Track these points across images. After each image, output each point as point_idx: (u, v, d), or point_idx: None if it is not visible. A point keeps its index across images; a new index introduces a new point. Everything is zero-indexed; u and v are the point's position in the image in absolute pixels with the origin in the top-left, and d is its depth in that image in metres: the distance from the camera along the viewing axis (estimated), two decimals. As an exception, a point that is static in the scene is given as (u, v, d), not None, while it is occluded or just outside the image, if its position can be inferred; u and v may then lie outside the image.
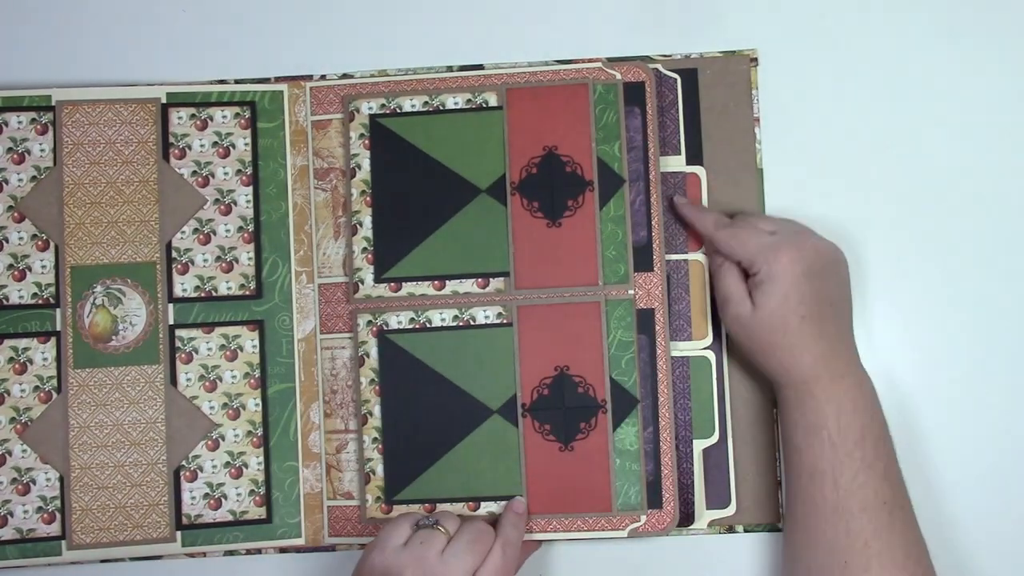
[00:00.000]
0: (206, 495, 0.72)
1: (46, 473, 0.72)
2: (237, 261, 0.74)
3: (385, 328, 0.72)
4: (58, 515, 0.72)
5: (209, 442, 0.73)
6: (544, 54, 0.75)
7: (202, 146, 0.74)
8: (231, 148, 0.74)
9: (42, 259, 0.73)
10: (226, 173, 0.74)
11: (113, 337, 0.73)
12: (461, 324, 0.72)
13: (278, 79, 0.75)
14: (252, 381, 0.73)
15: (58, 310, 0.73)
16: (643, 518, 0.70)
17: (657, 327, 0.71)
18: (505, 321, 0.71)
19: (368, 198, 0.73)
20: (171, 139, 0.74)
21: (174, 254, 0.73)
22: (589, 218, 0.71)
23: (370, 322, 0.72)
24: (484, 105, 0.73)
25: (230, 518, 0.72)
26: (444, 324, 0.72)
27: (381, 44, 0.76)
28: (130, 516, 0.72)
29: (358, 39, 0.76)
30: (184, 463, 0.72)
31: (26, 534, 0.71)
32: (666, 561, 0.72)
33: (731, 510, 0.72)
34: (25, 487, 0.72)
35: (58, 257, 0.73)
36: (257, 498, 0.72)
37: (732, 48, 0.74)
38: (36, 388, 0.72)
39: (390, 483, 0.72)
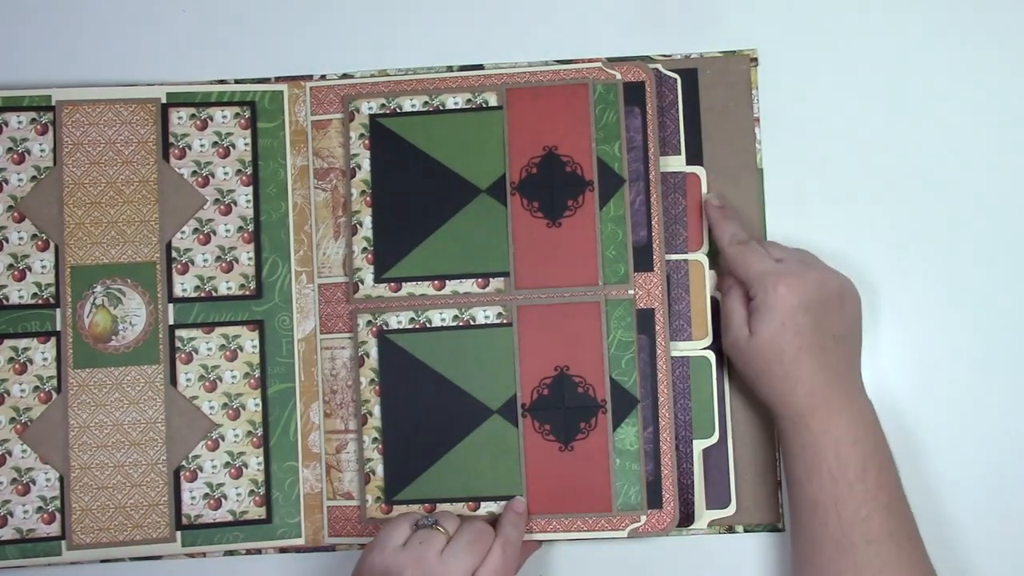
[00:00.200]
0: (206, 495, 0.72)
1: (46, 473, 0.72)
2: (237, 261, 0.74)
3: (385, 328, 0.72)
4: (58, 515, 0.72)
5: (209, 442, 0.73)
6: (544, 54, 0.75)
7: (202, 146, 0.74)
8: (231, 148, 0.74)
9: (42, 259, 0.73)
10: (226, 173, 0.74)
11: (113, 337, 0.73)
12: (461, 324, 0.72)
13: (278, 79, 0.75)
14: (252, 381, 0.73)
15: (58, 310, 0.73)
16: (643, 518, 0.70)
17: (657, 327, 0.71)
18: (505, 321, 0.71)
19: (368, 198, 0.73)
20: (171, 139, 0.74)
21: (174, 254, 0.73)
22: (589, 218, 0.71)
23: (370, 322, 0.72)
24: (484, 105, 0.73)
25: (230, 518, 0.72)
26: (444, 324, 0.72)
27: (381, 44, 0.76)
28: (130, 516, 0.72)
29: (358, 39, 0.76)
30: (184, 463, 0.72)
31: (26, 534, 0.71)
32: (666, 561, 0.72)
33: (731, 510, 0.72)
34: (25, 487, 0.72)
35: (58, 257, 0.73)
36: (257, 498, 0.72)
37: (732, 48, 0.74)
38: (36, 388, 0.72)
39: (390, 483, 0.72)
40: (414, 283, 0.72)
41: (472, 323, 0.72)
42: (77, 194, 0.73)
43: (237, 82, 0.75)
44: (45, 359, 0.72)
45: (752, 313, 0.66)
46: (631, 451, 0.70)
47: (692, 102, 0.73)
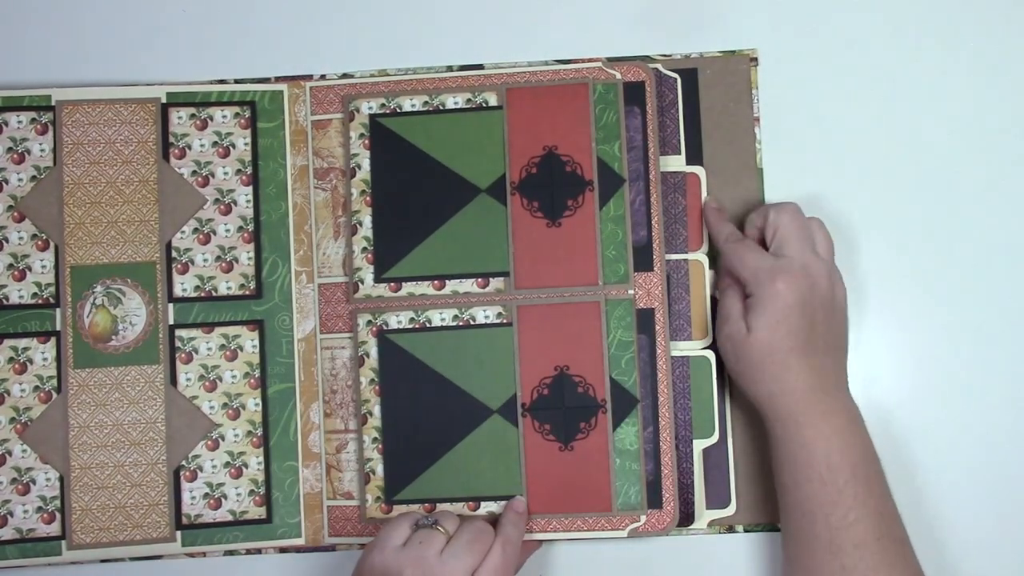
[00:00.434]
0: (206, 495, 0.72)
1: (46, 473, 0.72)
2: (237, 261, 0.74)
3: (385, 328, 0.72)
4: (58, 515, 0.72)
5: (209, 442, 0.73)
6: (544, 54, 0.75)
7: (202, 146, 0.74)
8: (231, 148, 0.74)
9: (42, 259, 0.73)
10: (226, 173, 0.74)
11: (113, 337, 0.73)
12: (461, 324, 0.72)
13: (278, 79, 0.75)
14: (252, 381, 0.73)
15: (58, 310, 0.73)
16: (643, 518, 0.70)
17: (657, 327, 0.71)
18: (505, 321, 0.71)
19: (368, 198, 0.73)
20: (171, 139, 0.74)
21: (174, 254, 0.73)
22: (589, 218, 0.71)
23: (370, 322, 0.72)
24: (484, 105, 0.73)
25: (230, 518, 0.72)
26: (444, 324, 0.72)
27: (381, 44, 0.76)
28: (130, 516, 0.72)
29: (358, 39, 0.76)
30: (184, 463, 0.72)
31: (26, 534, 0.71)
32: (666, 561, 0.72)
33: (731, 510, 0.72)
34: (25, 487, 0.72)
35: (58, 257, 0.73)
36: (257, 498, 0.72)
37: (732, 48, 0.74)
38: (36, 388, 0.72)
39: (390, 483, 0.72)
40: (414, 283, 0.72)
41: (472, 323, 0.72)
42: (77, 194, 0.73)
43: (237, 82, 0.75)
44: (45, 359, 0.72)
45: (749, 310, 0.66)
46: (631, 451, 0.70)
47: (692, 102, 0.74)
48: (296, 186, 0.74)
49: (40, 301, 0.73)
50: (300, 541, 0.73)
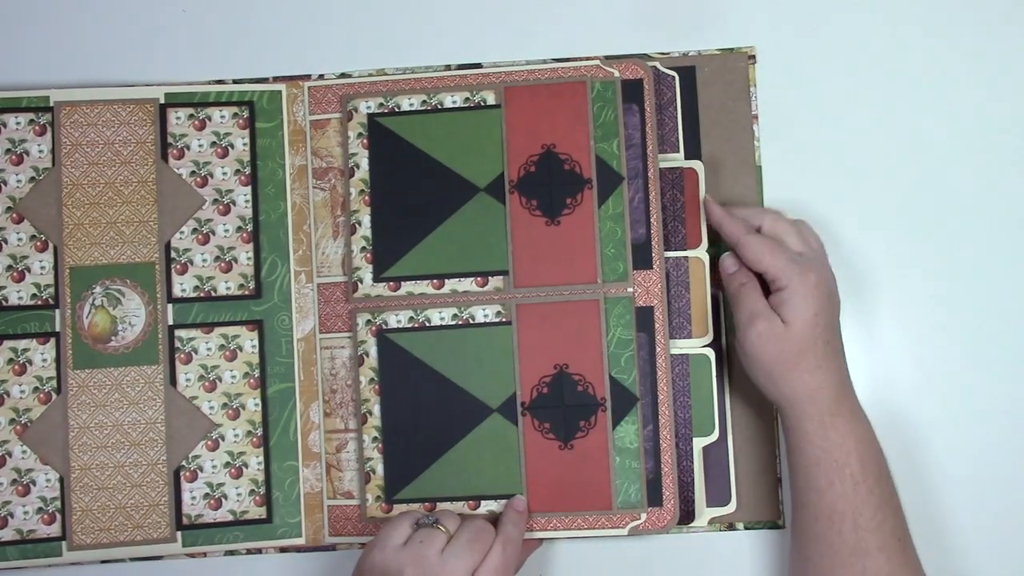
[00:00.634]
0: (206, 495, 0.72)
1: (46, 474, 0.72)
2: (236, 261, 0.74)
3: (384, 327, 0.72)
4: (58, 516, 0.72)
5: (209, 442, 0.73)
6: (542, 52, 0.75)
7: (200, 146, 0.74)
8: (230, 148, 0.74)
9: (41, 260, 0.73)
10: (225, 173, 0.74)
11: (112, 338, 0.73)
12: (460, 323, 0.72)
13: (276, 79, 0.75)
14: (252, 381, 0.73)
15: (57, 311, 0.73)
16: (643, 516, 0.70)
17: (656, 325, 0.71)
18: (504, 320, 0.71)
19: (367, 197, 0.73)
20: (169, 139, 0.74)
21: (173, 254, 0.73)
22: (588, 216, 0.71)
23: (369, 321, 0.72)
24: (482, 104, 0.73)
25: (230, 518, 0.72)
26: (443, 323, 0.72)
27: (379, 43, 0.76)
28: (130, 516, 0.72)
29: (356, 39, 0.76)
30: (184, 463, 0.72)
31: (26, 535, 0.71)
32: (666, 559, 0.72)
33: (731, 507, 0.71)
34: (25, 488, 0.72)
35: (57, 258, 0.73)
36: (257, 498, 0.72)
37: (730, 46, 0.74)
38: (36, 389, 0.72)
39: (390, 482, 0.72)
40: (413, 282, 0.72)
41: (471, 322, 0.72)
42: (76, 195, 0.73)
43: (235, 82, 0.75)
44: (45, 360, 0.72)
45: (781, 304, 0.65)
46: (631, 449, 0.70)
47: (690, 100, 0.73)
48: (295, 186, 0.74)
49: (39, 302, 0.73)
50: (300, 541, 0.72)
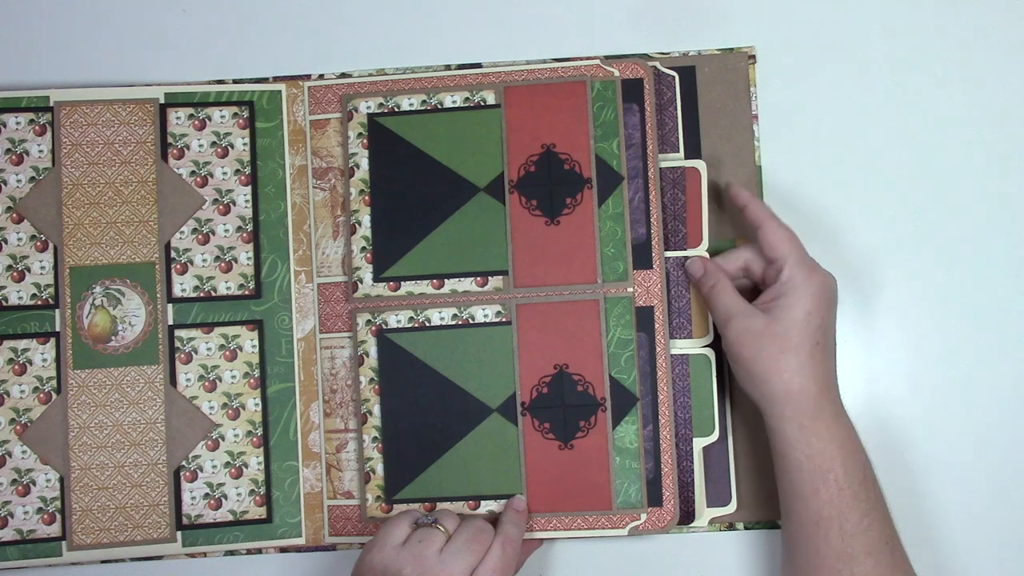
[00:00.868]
0: (206, 495, 0.72)
1: (46, 474, 0.72)
2: (236, 261, 0.74)
3: (384, 327, 0.72)
4: (58, 516, 0.72)
5: (209, 442, 0.73)
6: (542, 52, 0.75)
7: (200, 146, 0.74)
8: (229, 148, 0.74)
9: (41, 260, 0.73)
10: (225, 173, 0.74)
11: (112, 337, 0.73)
12: (460, 323, 0.72)
13: (276, 79, 0.75)
14: (252, 381, 0.73)
15: (57, 311, 0.73)
16: (643, 516, 0.70)
17: (656, 325, 0.71)
18: (504, 319, 0.71)
19: (367, 197, 0.73)
20: (169, 139, 0.74)
21: (173, 254, 0.73)
22: (588, 216, 0.71)
23: (369, 321, 0.72)
24: (482, 103, 0.73)
25: (230, 518, 0.72)
26: (443, 323, 0.72)
27: (379, 43, 0.76)
28: (130, 516, 0.72)
29: (356, 38, 0.76)
30: (184, 463, 0.72)
31: (26, 535, 0.71)
32: (666, 559, 0.72)
33: (731, 508, 0.71)
34: (25, 488, 0.72)
35: (57, 258, 0.73)
36: (257, 498, 0.72)
37: (730, 45, 0.74)
38: (36, 389, 0.72)
39: (390, 482, 0.71)
40: (413, 282, 0.72)
41: (471, 322, 0.72)
42: (76, 195, 0.73)
43: (235, 82, 0.75)
44: (45, 360, 0.72)
45: (779, 296, 0.65)
46: (631, 449, 0.70)
47: (690, 99, 0.73)
48: (295, 186, 0.74)
49: (39, 302, 0.73)
50: (300, 541, 0.72)
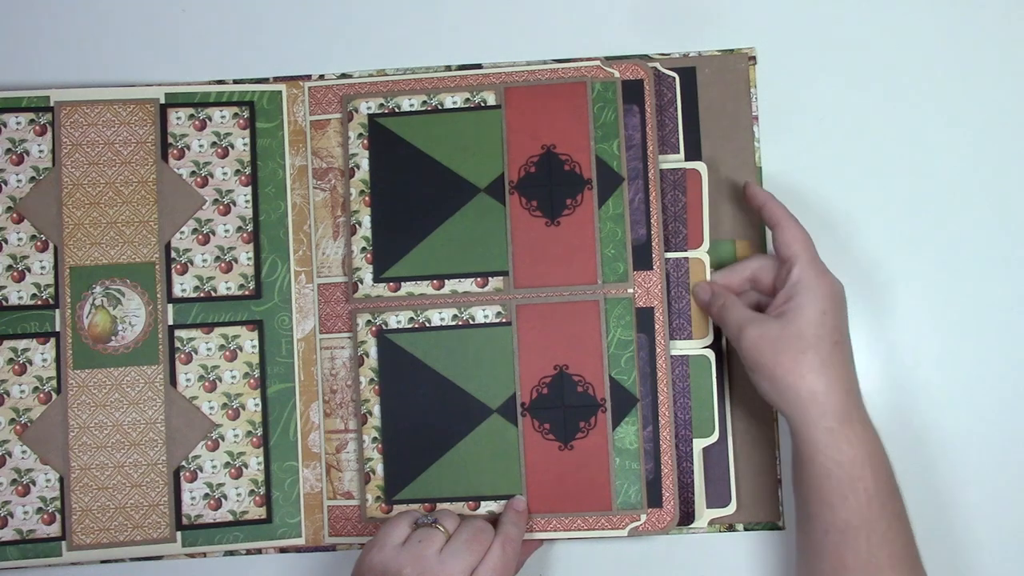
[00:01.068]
0: (206, 495, 0.72)
1: (46, 474, 0.72)
2: (236, 261, 0.74)
3: (384, 328, 0.72)
4: (58, 516, 0.72)
5: (209, 442, 0.73)
6: (542, 53, 0.75)
7: (201, 146, 0.74)
8: (230, 148, 0.74)
9: (41, 260, 0.73)
10: (225, 173, 0.74)
11: (112, 338, 0.73)
12: (460, 323, 0.72)
13: (276, 79, 0.75)
14: (252, 381, 0.73)
15: (57, 311, 0.73)
16: (643, 517, 0.70)
17: (656, 326, 0.71)
18: (504, 320, 0.71)
19: (367, 198, 0.73)
20: (170, 139, 0.74)
21: (173, 254, 0.73)
22: (588, 216, 0.71)
23: (369, 322, 0.72)
24: (482, 104, 0.73)
25: (230, 518, 0.72)
26: (443, 323, 0.72)
27: (379, 44, 0.76)
28: (130, 516, 0.72)
29: (356, 39, 0.76)
30: (184, 463, 0.72)
31: (26, 535, 0.71)
32: (666, 560, 0.72)
33: (731, 509, 0.71)
34: (25, 488, 0.72)
35: (57, 258, 0.73)
36: (257, 498, 0.72)
37: (730, 46, 0.74)
38: (36, 389, 0.72)
39: (390, 482, 0.72)
40: (413, 282, 0.72)
41: (471, 322, 0.72)
42: (76, 195, 0.73)
43: (236, 82, 0.75)
44: (45, 360, 0.72)
45: (791, 297, 0.64)
46: (631, 450, 0.70)
47: (691, 100, 0.73)
48: (295, 186, 0.74)
49: (39, 302, 0.73)
50: (300, 541, 0.72)
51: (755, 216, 0.72)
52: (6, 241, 0.73)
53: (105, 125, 0.74)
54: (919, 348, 0.73)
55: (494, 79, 0.73)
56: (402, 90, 0.74)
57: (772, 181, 0.73)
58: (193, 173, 0.74)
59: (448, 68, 0.75)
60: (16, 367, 0.72)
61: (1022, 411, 0.72)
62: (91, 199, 0.73)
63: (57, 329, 0.72)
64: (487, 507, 0.71)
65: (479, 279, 0.72)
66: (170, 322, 0.73)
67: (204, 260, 0.74)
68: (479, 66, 0.75)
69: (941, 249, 0.73)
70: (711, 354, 0.72)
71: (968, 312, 0.72)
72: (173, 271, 0.73)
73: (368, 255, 0.73)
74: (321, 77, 0.75)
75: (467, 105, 0.73)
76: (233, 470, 0.72)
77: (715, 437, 0.71)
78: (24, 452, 0.72)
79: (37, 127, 0.73)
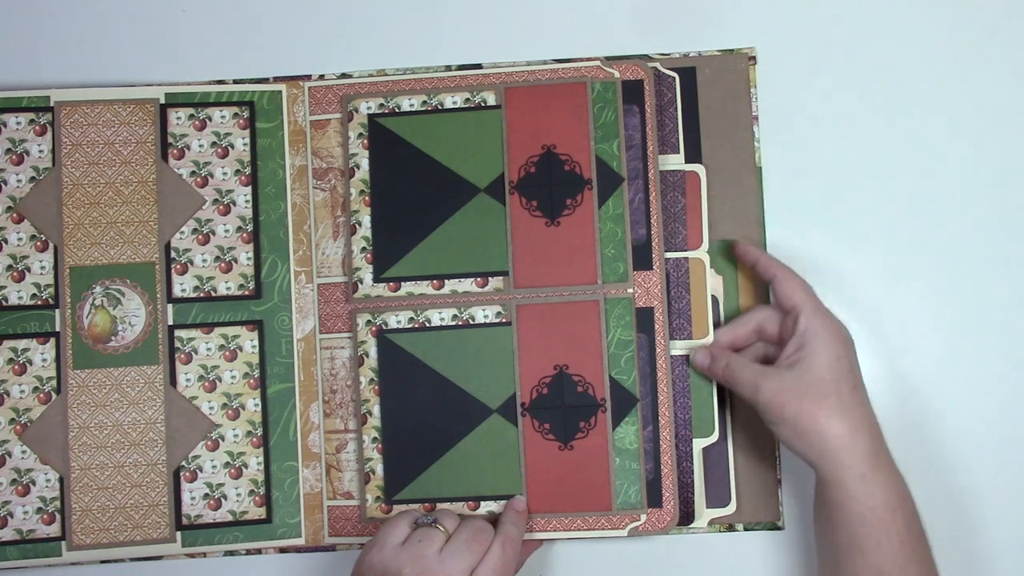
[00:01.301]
0: (206, 495, 0.72)
1: (46, 474, 0.72)
2: (236, 261, 0.74)
3: (384, 328, 0.72)
4: (58, 516, 0.72)
5: (209, 442, 0.73)
6: (542, 53, 0.75)
7: (201, 146, 0.74)
8: (230, 148, 0.74)
9: (41, 260, 0.73)
10: (225, 173, 0.74)
11: (112, 338, 0.73)
12: (460, 323, 0.72)
13: (276, 79, 0.75)
14: (251, 381, 0.73)
15: (57, 311, 0.73)
16: (643, 517, 0.70)
17: (656, 326, 0.71)
18: (504, 320, 0.71)
19: (367, 198, 0.73)
20: (170, 139, 0.74)
21: (173, 254, 0.73)
22: (588, 217, 0.71)
23: (369, 322, 0.72)
24: (483, 104, 0.73)
25: (230, 518, 0.72)
26: (443, 323, 0.72)
27: (379, 44, 0.76)
28: (130, 517, 0.72)
29: (356, 39, 0.76)
30: (184, 463, 0.72)
31: (26, 535, 0.71)
32: (666, 560, 0.72)
33: (731, 509, 0.71)
34: (25, 488, 0.72)
35: (57, 258, 0.73)
36: (257, 498, 0.72)
37: (730, 47, 0.74)
38: (36, 389, 0.72)
39: (390, 483, 0.72)
40: (413, 282, 0.72)
41: (471, 322, 0.72)
42: (76, 195, 0.73)
43: (235, 82, 0.75)
44: (44, 360, 0.72)
45: (803, 346, 0.64)
46: (631, 450, 0.70)
47: (691, 100, 0.73)
48: (295, 186, 0.74)
49: (39, 302, 0.73)
50: (300, 541, 0.72)
51: (755, 214, 0.72)
52: (6, 241, 0.73)
53: (105, 125, 0.74)
54: (919, 348, 0.73)
55: (494, 79, 0.73)
56: (402, 90, 0.74)
57: (771, 181, 0.73)
58: (193, 173, 0.74)
59: (448, 68, 0.75)
60: (16, 367, 0.72)
61: (1022, 411, 0.72)
62: (91, 199, 0.73)
63: (57, 329, 0.72)
64: (487, 507, 0.71)
65: (479, 279, 0.72)
66: (170, 322, 0.73)
67: (204, 260, 0.74)
68: (479, 66, 0.75)
69: (941, 249, 0.73)
70: (711, 354, 0.72)
71: (968, 312, 0.72)
72: (173, 271, 0.73)
73: (368, 255, 0.73)
74: (321, 77, 0.75)
75: (467, 105, 0.73)
76: (233, 470, 0.72)
77: (715, 437, 0.71)
78: (24, 452, 0.72)
79: (37, 127, 0.73)
